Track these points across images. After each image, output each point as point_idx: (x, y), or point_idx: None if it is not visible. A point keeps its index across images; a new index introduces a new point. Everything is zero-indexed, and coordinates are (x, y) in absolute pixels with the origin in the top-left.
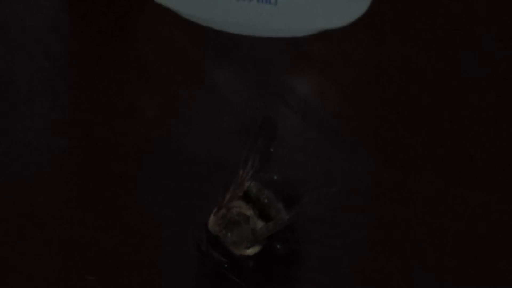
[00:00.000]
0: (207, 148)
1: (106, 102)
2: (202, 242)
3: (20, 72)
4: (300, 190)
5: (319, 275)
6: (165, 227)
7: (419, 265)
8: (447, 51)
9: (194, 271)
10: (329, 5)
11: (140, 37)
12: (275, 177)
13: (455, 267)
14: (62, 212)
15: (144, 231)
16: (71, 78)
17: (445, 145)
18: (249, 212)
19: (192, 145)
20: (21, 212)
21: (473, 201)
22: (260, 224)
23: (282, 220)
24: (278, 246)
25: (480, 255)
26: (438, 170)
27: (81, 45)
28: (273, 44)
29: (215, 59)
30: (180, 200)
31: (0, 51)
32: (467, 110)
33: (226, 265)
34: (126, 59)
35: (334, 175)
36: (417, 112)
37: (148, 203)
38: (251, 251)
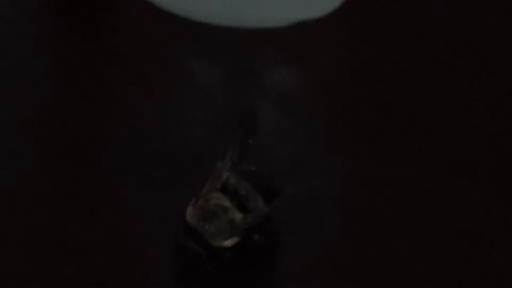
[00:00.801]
0: (186, 139)
1: (84, 92)
2: (180, 233)
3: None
4: (278, 182)
5: (297, 266)
6: (143, 218)
7: (398, 255)
8: (425, 41)
9: (172, 262)
10: None
11: (118, 28)
12: (253, 169)
13: (433, 255)
14: (39, 203)
15: (122, 222)
16: (50, 69)
17: (423, 135)
18: (227, 203)
19: (170, 136)
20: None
21: (458, 193)
22: (238, 215)
23: (262, 212)
24: (256, 237)
25: (459, 246)
26: (419, 160)
27: (60, 36)
28: (251, 35)
29: (193, 50)
30: (157, 191)
31: None
32: (446, 101)
33: (204, 257)
34: (105, 50)
35: (313, 166)
36: (396, 102)
37: (126, 194)
38: (229, 243)
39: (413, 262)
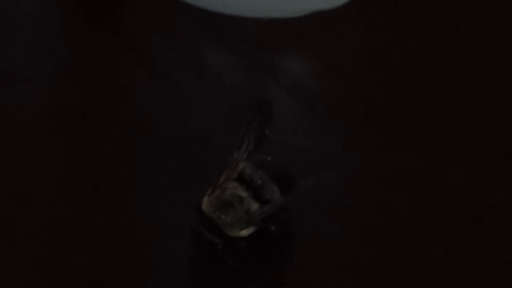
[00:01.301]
0: (201, 129)
1: (99, 82)
2: (196, 223)
3: (12, 53)
4: (294, 172)
5: (313, 257)
6: (158, 208)
7: (414, 246)
8: (441, 32)
9: (188, 252)
10: None
11: (133, 19)
12: (269, 159)
13: (446, 247)
14: (54, 192)
15: (138, 211)
16: (64, 59)
17: (439, 126)
18: (243, 193)
19: (185, 126)
20: (12, 192)
21: (470, 183)
22: (254, 205)
23: (278, 204)
24: (272, 228)
25: (474, 236)
26: (431, 151)
27: (74, 27)
28: (266, 25)
29: (208, 40)
30: (173, 181)
31: None
32: (462, 91)
33: (219, 246)
34: (120, 40)
35: (328, 156)
36: (410, 93)
37: (141, 184)
38: (245, 233)
39: (429, 253)
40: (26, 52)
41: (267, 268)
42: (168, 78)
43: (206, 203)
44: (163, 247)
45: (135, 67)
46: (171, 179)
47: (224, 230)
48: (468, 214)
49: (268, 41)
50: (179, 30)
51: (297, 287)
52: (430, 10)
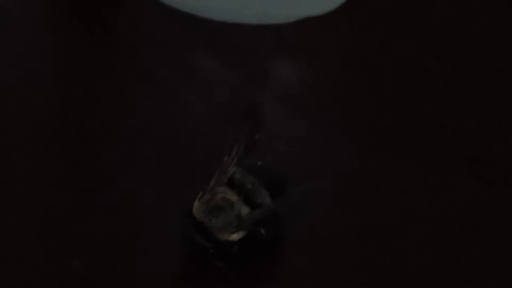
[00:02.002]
0: (192, 135)
1: (89, 88)
2: (187, 227)
3: (3, 59)
4: (284, 176)
5: (303, 260)
6: (149, 212)
7: (406, 251)
8: (428, 36)
9: (179, 256)
10: None
11: (123, 24)
12: (259, 163)
13: (440, 253)
14: (45, 197)
15: (128, 216)
16: (54, 65)
17: (431, 131)
18: (233, 197)
19: (176, 132)
20: (4, 195)
21: (463, 189)
22: (244, 209)
23: (269, 208)
24: (263, 231)
25: (469, 242)
26: (420, 154)
27: (64, 33)
28: (255, 31)
29: (198, 46)
30: (164, 186)
31: None
32: (451, 96)
33: (210, 250)
34: (111, 46)
35: (318, 161)
36: (398, 98)
37: (132, 188)
38: (235, 236)
39: (420, 257)
40: (15, 57)
41: (258, 272)
42: (159, 84)
43: (196, 208)
44: (155, 251)
45: (124, 72)
46: (161, 184)
47: (215, 234)
48: (460, 216)
49: (258, 47)
50: (170, 36)
51: None
52: (417, 16)
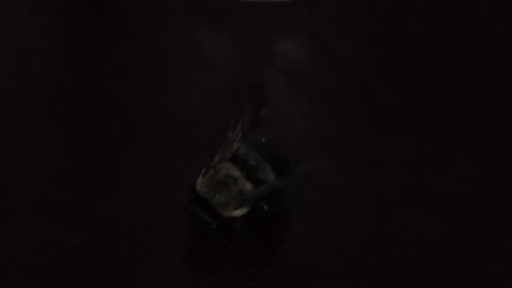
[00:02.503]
0: (196, 111)
1: (94, 64)
2: (190, 203)
3: (8, 35)
4: (288, 153)
5: (306, 236)
6: (152, 189)
7: (407, 229)
8: (438, 15)
9: (182, 232)
10: None
11: (128, 2)
12: (264, 140)
13: (443, 229)
14: (49, 173)
15: (132, 193)
16: (59, 41)
17: (434, 110)
18: (237, 173)
19: (181, 108)
20: (6, 172)
21: (463, 165)
22: (248, 185)
23: (272, 185)
24: (266, 207)
25: (468, 218)
26: (425, 135)
27: (69, 8)
28: (262, 9)
29: (204, 23)
30: (168, 162)
31: None
32: (457, 75)
33: (213, 226)
34: (115, 22)
35: (322, 138)
36: (406, 77)
37: (136, 164)
38: (238, 212)
39: (420, 236)
40: (22, 35)
41: (261, 248)
42: (162, 60)
43: (200, 184)
44: (158, 228)
45: (130, 50)
46: (165, 159)
47: (218, 210)
48: (464, 197)
49: (265, 24)
50: (174, 13)
51: (291, 266)
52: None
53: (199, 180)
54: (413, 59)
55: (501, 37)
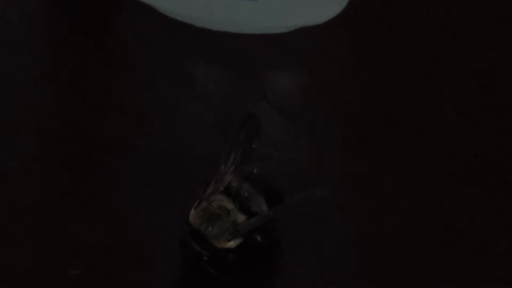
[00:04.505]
0: (189, 143)
1: (87, 97)
2: (183, 235)
3: (2, 67)
4: (280, 184)
5: (299, 268)
6: (146, 220)
7: (401, 256)
8: (425, 46)
9: (175, 264)
10: (308, 2)
11: (119, 32)
12: (256, 171)
13: (436, 259)
14: (46, 205)
15: (126, 223)
16: (53, 73)
17: (426, 140)
18: (230, 205)
19: (173, 140)
20: (4, 203)
21: (456, 196)
22: (241, 217)
23: (265, 216)
24: (259, 238)
25: (460, 248)
26: (416, 165)
27: (62, 41)
28: (252, 41)
29: (196, 55)
30: (161, 194)
31: None
32: (447, 105)
33: (205, 258)
34: (108, 54)
35: (314, 170)
36: (396, 107)
37: (130, 196)
38: (232, 244)
39: (413, 265)
40: (14, 66)
41: (254, 280)
42: (155, 91)
43: (193, 216)
44: (152, 259)
45: (121, 79)
46: (158, 192)
47: (212, 242)
48: (456, 226)
49: (256, 57)
50: (169, 45)
51: None
52: (414, 25)
53: (192, 212)
54: (407, 91)
55: (501, 69)
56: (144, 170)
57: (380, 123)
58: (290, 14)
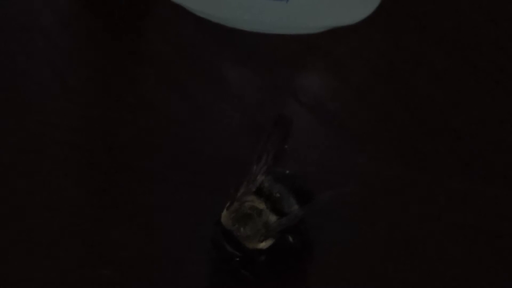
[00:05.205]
0: (221, 144)
1: (118, 97)
2: (216, 236)
3: (33, 68)
4: (312, 185)
5: (331, 270)
6: (178, 221)
7: (430, 261)
8: (458, 48)
9: (207, 265)
10: (340, 2)
11: (152, 34)
12: (288, 172)
13: (467, 261)
14: (75, 206)
15: (158, 225)
16: (83, 73)
17: (456, 142)
18: (261, 206)
19: (205, 141)
20: (34, 205)
21: (486, 197)
22: (272, 217)
23: (297, 216)
24: (291, 239)
25: (489, 249)
26: (448, 167)
27: (93, 41)
28: (284, 41)
29: (228, 56)
30: (193, 195)
31: (13, 49)
32: (478, 107)
33: (237, 259)
34: (141, 56)
35: (346, 171)
36: (427, 109)
37: (161, 198)
38: (264, 245)
39: (441, 267)
40: (45, 67)
41: (285, 282)
42: (187, 93)
43: (225, 216)
44: (183, 261)
45: (154, 83)
46: (190, 193)
47: (243, 243)
48: (487, 229)
49: (287, 57)
50: (199, 46)
51: None
52: (448, 27)
53: (224, 213)
54: (439, 93)
55: None
56: (175, 171)
57: (412, 125)
58: (321, 14)
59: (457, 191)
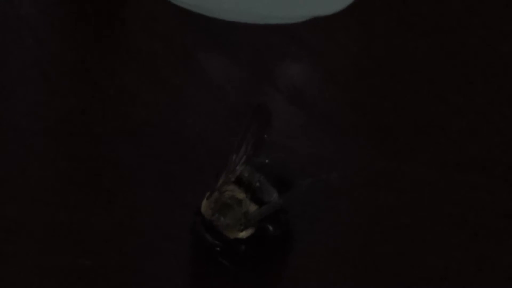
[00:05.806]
0: (199, 133)
1: (97, 87)
2: (196, 225)
3: (12, 58)
4: (292, 173)
5: (311, 258)
6: (158, 211)
7: (411, 248)
8: (437, 37)
9: (187, 255)
10: None
11: (131, 23)
12: (267, 161)
13: (448, 252)
14: (55, 196)
15: (137, 214)
16: (63, 63)
17: (436, 131)
18: (241, 195)
19: (184, 130)
20: (13, 196)
21: (468, 187)
22: (252, 207)
23: (276, 205)
24: (271, 228)
25: (472, 241)
26: (427, 156)
27: (73, 31)
28: (264, 31)
29: (207, 46)
30: (173, 184)
31: None
32: (459, 96)
33: (217, 249)
34: (119, 45)
35: (325, 160)
36: (406, 98)
37: (140, 187)
38: (244, 234)
39: (423, 255)
40: (25, 58)
41: (266, 271)
42: (165, 82)
43: (205, 206)
44: (164, 250)
45: (133, 71)
46: (170, 182)
47: (223, 232)
48: (465, 218)
49: (267, 46)
50: (178, 35)
51: None
52: (427, 16)
53: (204, 202)
54: (417, 81)
55: (503, 60)
56: (154, 162)
57: (392, 114)
58: (301, 4)
59: (439, 181)
